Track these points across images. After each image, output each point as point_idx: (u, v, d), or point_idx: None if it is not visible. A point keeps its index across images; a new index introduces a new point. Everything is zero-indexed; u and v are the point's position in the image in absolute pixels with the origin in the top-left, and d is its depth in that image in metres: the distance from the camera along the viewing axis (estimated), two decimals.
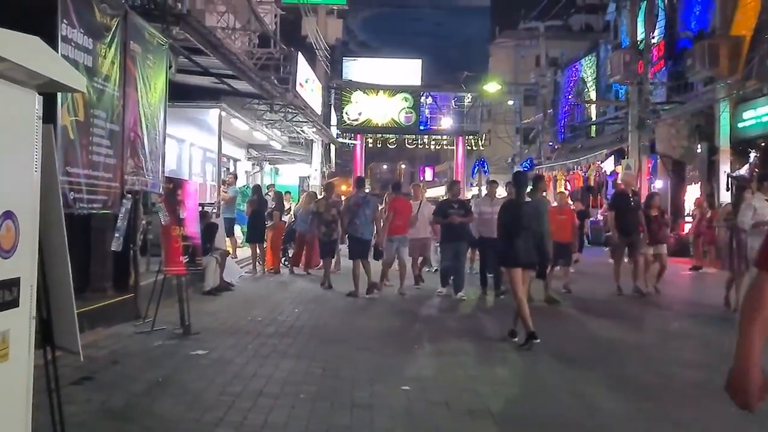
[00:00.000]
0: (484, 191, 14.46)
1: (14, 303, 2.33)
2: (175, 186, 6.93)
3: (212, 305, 8.89)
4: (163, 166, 7.08)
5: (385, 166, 69.48)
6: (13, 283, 2.31)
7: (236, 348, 6.25)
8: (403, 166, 66.90)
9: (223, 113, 13.02)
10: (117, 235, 5.98)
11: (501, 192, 10.97)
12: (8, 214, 2.25)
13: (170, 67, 7.53)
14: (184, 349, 6.11)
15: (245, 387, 4.92)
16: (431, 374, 5.55)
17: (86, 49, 5.24)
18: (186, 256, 7.01)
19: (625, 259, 10.66)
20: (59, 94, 4.60)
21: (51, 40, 4.65)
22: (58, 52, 4.66)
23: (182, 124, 13.97)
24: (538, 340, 6.45)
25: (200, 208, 11.13)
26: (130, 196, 6.01)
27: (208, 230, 10.21)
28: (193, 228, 7.33)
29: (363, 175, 13.15)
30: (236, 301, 9.43)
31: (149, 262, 8.64)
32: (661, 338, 7.54)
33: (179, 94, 12.32)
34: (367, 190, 33.72)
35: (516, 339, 6.74)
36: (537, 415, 4.56)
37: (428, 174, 55.92)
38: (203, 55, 9.24)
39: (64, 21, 4.84)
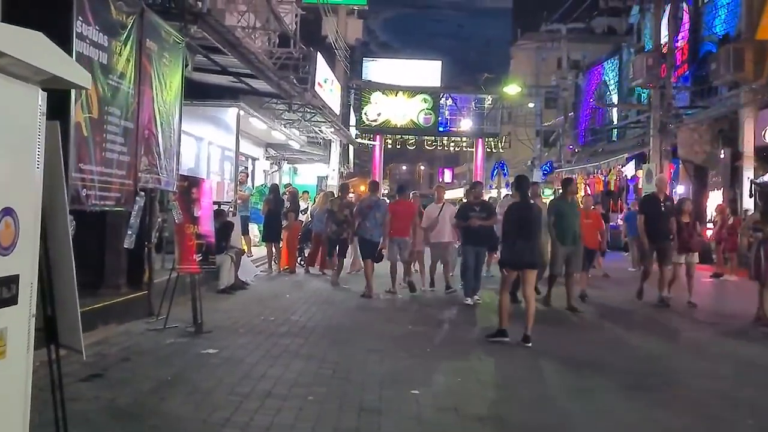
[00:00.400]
0: (504, 192, 14.29)
1: (12, 300, 2.32)
2: (189, 184, 6.94)
3: (226, 304, 8.90)
4: (178, 164, 7.09)
5: (404, 167, 69.48)
6: (12, 281, 2.30)
7: (247, 347, 6.23)
8: (422, 167, 66.86)
9: (242, 112, 13.05)
10: (130, 232, 5.99)
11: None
12: (8, 211, 2.23)
13: (186, 65, 7.53)
14: (195, 348, 6.10)
15: (254, 387, 4.90)
16: (442, 379, 5.48)
17: (101, 46, 5.25)
18: (199, 255, 7.01)
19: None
20: (73, 91, 4.61)
21: (66, 36, 4.67)
22: (72, 49, 4.70)
23: (201, 122, 14.05)
24: (508, 339, 6.76)
25: (216, 207, 11.24)
26: (143, 193, 6.02)
27: (224, 229, 10.24)
28: (207, 226, 7.34)
29: (377, 180, 13.09)
30: (250, 300, 9.43)
31: (164, 259, 8.67)
32: (679, 347, 7.40)
33: (198, 93, 12.39)
34: (385, 191, 33.77)
35: (530, 344, 6.68)
36: (546, 422, 4.48)
37: (447, 176, 55.73)
38: (221, 54, 9.25)
39: (80, 18, 4.86)
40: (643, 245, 10.07)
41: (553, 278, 9.41)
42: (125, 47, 5.64)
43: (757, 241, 8.34)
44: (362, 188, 25.81)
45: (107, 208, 5.67)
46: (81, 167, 5.01)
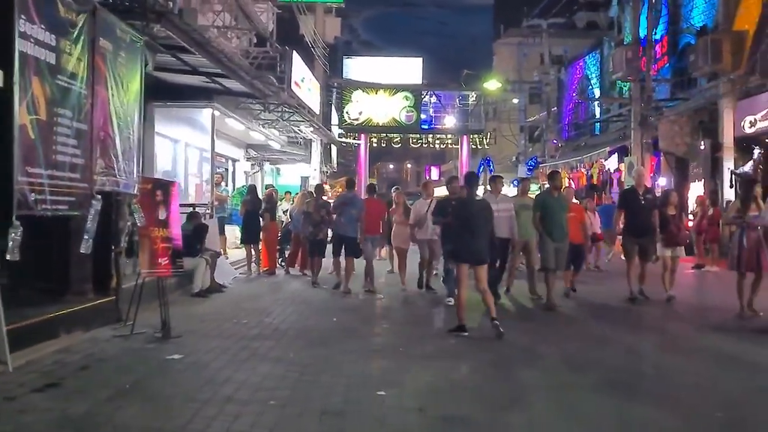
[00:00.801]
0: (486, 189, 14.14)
1: None
2: (153, 187, 6.79)
3: (200, 307, 8.75)
4: (139, 166, 6.91)
5: (391, 166, 69.42)
6: None
7: (215, 352, 6.09)
8: (409, 165, 66.82)
9: (217, 113, 12.88)
10: (86, 237, 5.82)
11: (507, 189, 10.60)
12: None
13: (146, 65, 7.37)
14: (160, 354, 5.96)
15: (215, 393, 4.77)
16: (412, 379, 5.37)
17: (48, 45, 5.08)
18: (165, 258, 6.86)
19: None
20: (16, 93, 4.46)
21: (7, 35, 4.51)
22: (15, 48, 4.53)
23: (176, 123, 13.87)
24: (467, 334, 6.90)
25: (192, 209, 11.09)
26: (99, 197, 5.87)
27: (198, 231, 10.10)
28: (175, 229, 7.20)
29: (358, 179, 13.10)
30: (226, 303, 9.28)
31: (135, 264, 8.48)
32: (658, 343, 7.32)
33: (171, 94, 12.24)
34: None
35: (501, 330, 6.86)
36: (512, 421, 4.37)
37: (434, 173, 55.61)
38: (190, 54, 9.08)
39: (22, 16, 4.69)
40: (624, 242, 9.68)
41: (549, 274, 8.89)
42: (76, 46, 5.47)
43: (738, 230, 8.20)
44: None
45: (60, 213, 5.50)
46: (28, 171, 4.83)
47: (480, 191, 11.66)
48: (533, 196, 10.19)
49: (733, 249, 8.19)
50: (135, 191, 6.72)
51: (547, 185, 10.68)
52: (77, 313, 6.57)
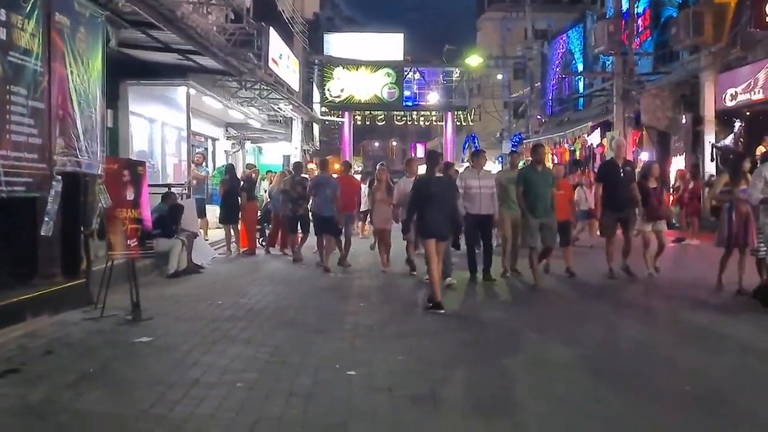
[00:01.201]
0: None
1: None
2: (120, 167, 6.63)
3: (175, 289, 8.63)
4: (103, 145, 6.73)
5: (376, 144, 69.07)
6: None
7: (185, 334, 5.99)
8: (394, 143, 66.49)
9: (192, 91, 12.65)
10: (47, 219, 5.66)
11: (491, 165, 10.35)
12: None
13: (109, 41, 7.15)
14: (128, 337, 5.85)
15: (182, 376, 4.68)
16: (383, 358, 5.29)
17: None
18: (136, 240, 6.73)
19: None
20: None
21: None
22: None
23: (151, 102, 13.64)
24: (444, 311, 6.96)
25: (167, 189, 10.92)
26: (60, 177, 5.70)
27: (173, 212, 9.95)
28: (145, 211, 7.05)
29: (327, 159, 13.02)
30: (202, 284, 9.17)
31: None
32: (636, 319, 7.30)
33: (145, 72, 12.01)
34: (359, 168, 33.33)
35: (443, 311, 6.98)
36: (481, 400, 4.32)
37: (420, 150, 55.49)
38: (159, 30, 8.84)
39: None
40: (604, 215, 9.39)
41: (532, 252, 8.68)
42: (29, 22, 5.25)
43: (726, 205, 7.89)
44: (336, 166, 25.63)
45: (17, 194, 5.34)
46: None
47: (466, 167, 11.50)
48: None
49: (723, 225, 7.94)
50: (100, 172, 6.54)
51: (530, 160, 10.52)
52: (44, 297, 6.44)
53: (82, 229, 7.16)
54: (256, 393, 4.36)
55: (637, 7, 20.29)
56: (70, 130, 5.85)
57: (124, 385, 4.52)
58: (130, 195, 6.64)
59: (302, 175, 11.86)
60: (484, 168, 9.75)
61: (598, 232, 10.91)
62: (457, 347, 5.70)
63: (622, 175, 9.23)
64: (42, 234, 5.65)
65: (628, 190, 9.17)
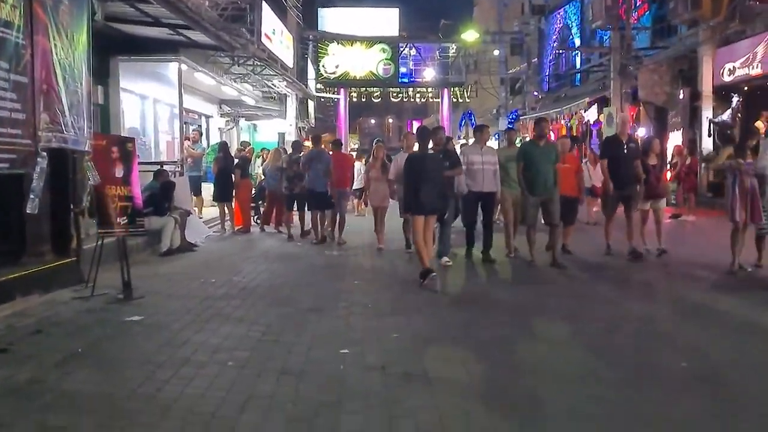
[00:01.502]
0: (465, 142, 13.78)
1: None
2: (109, 143, 6.50)
3: (168, 267, 8.57)
4: (91, 121, 6.58)
5: (372, 121, 68.76)
6: None
7: (177, 313, 5.92)
8: (390, 120, 66.19)
9: (184, 66, 12.47)
10: (32, 196, 5.54)
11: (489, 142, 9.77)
12: None
13: (94, 14, 6.97)
14: (119, 315, 5.78)
15: (172, 355, 4.61)
16: (377, 336, 5.23)
17: None
18: (125, 217, 6.63)
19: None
20: None
21: None
22: None
23: (143, 78, 13.45)
24: (435, 274, 7.10)
25: (159, 167, 10.80)
26: (45, 154, 5.57)
27: (165, 189, 9.84)
28: (135, 188, 6.94)
29: (319, 135, 12.92)
30: (195, 262, 9.10)
31: None
32: (638, 296, 7.27)
33: (136, 47, 11.81)
34: (356, 146, 33.05)
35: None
36: (473, 377, 4.27)
37: (416, 127, 55.22)
38: (148, 4, 8.65)
39: None
40: (607, 192, 9.15)
41: (529, 230, 8.57)
42: None
43: (730, 178, 7.68)
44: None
45: (1, 172, 5.22)
46: None
47: (469, 142, 11.41)
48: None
49: (729, 198, 7.72)
50: (87, 148, 6.41)
51: (527, 137, 10.31)
52: (34, 275, 6.35)
53: (71, 206, 7.04)
54: (248, 371, 4.30)
55: None
56: (55, 105, 5.70)
57: (114, 364, 4.46)
58: (119, 172, 6.53)
59: (299, 153, 11.72)
60: (487, 144, 9.42)
61: (597, 209, 10.70)
62: (451, 325, 5.63)
63: (625, 151, 8.95)
64: (28, 212, 5.54)
65: (631, 167, 8.91)
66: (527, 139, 10.90)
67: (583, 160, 13.20)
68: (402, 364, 4.50)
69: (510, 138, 10.20)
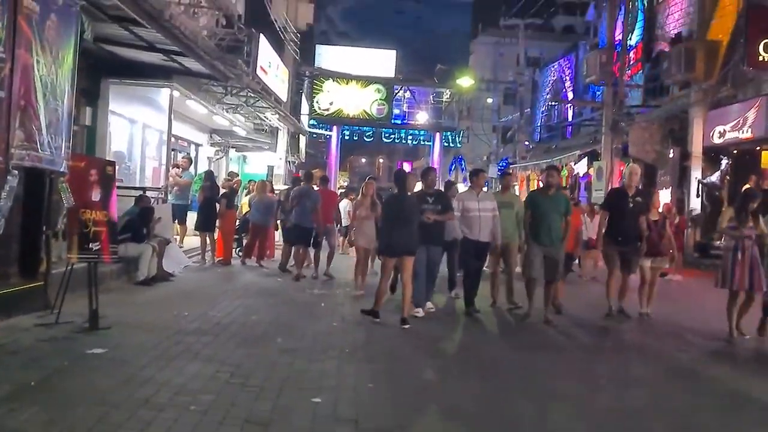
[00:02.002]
0: (461, 187, 13.22)
1: None
2: (87, 165, 6.28)
3: (142, 296, 8.27)
4: (69, 141, 6.35)
5: (363, 160, 68.94)
6: None
7: (143, 347, 5.62)
8: (381, 160, 66.37)
9: (176, 93, 12.30)
10: None
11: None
12: None
13: (83, 32, 6.81)
14: (81, 347, 5.46)
15: (130, 395, 4.31)
16: (352, 383, 4.96)
17: None
18: (98, 243, 6.36)
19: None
20: None
21: None
22: None
23: (133, 103, 13.26)
24: (379, 320, 7.25)
25: (142, 192, 10.55)
26: (16, 172, 5.33)
27: (144, 215, 9.58)
28: (112, 213, 6.68)
29: (311, 171, 12.78)
30: (171, 293, 8.80)
31: None
32: (634, 361, 7.05)
33: (128, 71, 11.65)
34: (345, 183, 32.86)
35: (407, 326, 7.11)
36: None
37: (406, 169, 55.33)
38: (142, 27, 8.53)
39: None
40: (605, 249, 8.51)
41: (531, 283, 7.98)
42: None
43: (732, 243, 7.36)
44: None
45: None
46: None
47: (460, 188, 11.00)
48: (516, 194, 9.48)
49: (726, 264, 7.38)
50: (63, 168, 6.18)
51: (516, 185, 10.10)
52: None
53: (44, 228, 6.76)
54: (210, 418, 4.01)
55: (630, 39, 20.33)
56: (32, 122, 5.46)
57: (66, 401, 4.14)
58: (96, 195, 6.29)
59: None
60: (483, 189, 8.96)
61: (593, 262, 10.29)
62: (430, 375, 5.39)
63: (631, 205, 8.28)
64: None
65: (635, 222, 8.23)
66: (516, 188, 10.63)
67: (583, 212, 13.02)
68: (376, 416, 4.24)
69: (505, 183, 9.50)
